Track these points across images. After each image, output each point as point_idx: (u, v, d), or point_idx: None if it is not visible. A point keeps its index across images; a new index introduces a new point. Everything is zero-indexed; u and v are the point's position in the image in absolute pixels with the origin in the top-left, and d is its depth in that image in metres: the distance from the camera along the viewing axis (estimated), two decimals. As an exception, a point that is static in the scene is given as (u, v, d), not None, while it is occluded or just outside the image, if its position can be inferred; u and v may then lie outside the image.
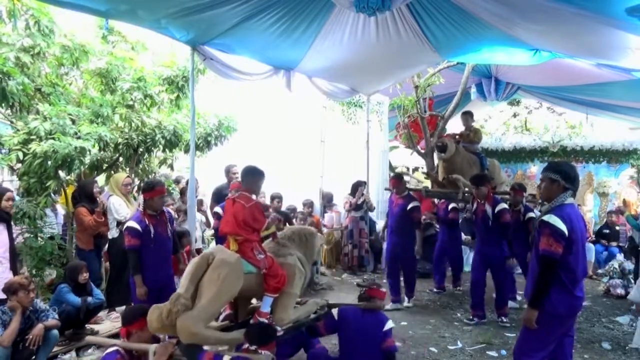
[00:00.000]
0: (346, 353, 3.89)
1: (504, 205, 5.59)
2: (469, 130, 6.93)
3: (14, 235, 5.06)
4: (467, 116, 7.05)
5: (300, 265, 3.93)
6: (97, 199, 5.22)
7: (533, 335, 3.09)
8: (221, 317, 4.05)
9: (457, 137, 6.97)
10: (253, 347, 3.13)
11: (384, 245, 7.27)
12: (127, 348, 3.18)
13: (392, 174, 8.17)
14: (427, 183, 8.80)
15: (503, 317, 5.64)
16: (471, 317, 5.71)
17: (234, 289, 3.37)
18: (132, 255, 4.28)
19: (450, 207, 7.14)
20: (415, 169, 12.80)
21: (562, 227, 2.94)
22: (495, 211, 5.49)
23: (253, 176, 3.83)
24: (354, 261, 8.23)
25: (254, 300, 4.05)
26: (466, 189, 6.17)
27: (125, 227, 4.44)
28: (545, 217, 3.04)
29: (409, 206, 6.17)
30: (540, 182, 3.31)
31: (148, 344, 3.18)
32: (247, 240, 3.57)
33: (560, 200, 3.08)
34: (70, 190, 5.56)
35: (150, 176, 6.56)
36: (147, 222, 4.31)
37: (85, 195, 5.22)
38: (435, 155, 6.74)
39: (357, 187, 8.03)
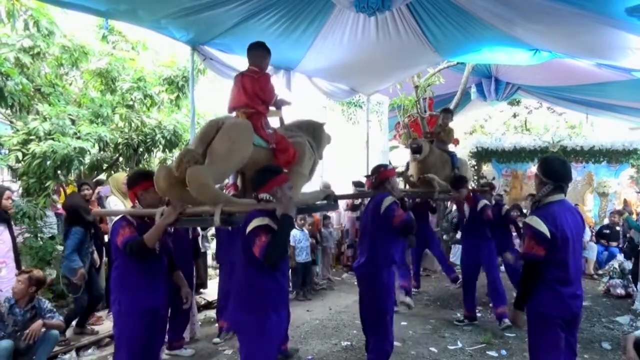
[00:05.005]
0: (360, 239, 4.09)
1: (485, 202, 5.52)
2: (442, 130, 6.69)
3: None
4: (447, 115, 6.74)
5: (310, 148, 3.90)
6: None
7: (540, 341, 3.00)
8: None
9: (429, 135, 6.87)
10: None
11: None
12: (134, 214, 3.17)
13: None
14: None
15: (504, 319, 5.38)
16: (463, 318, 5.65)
17: (244, 152, 3.29)
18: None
19: None
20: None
21: (543, 228, 2.80)
22: (478, 208, 5.44)
23: (261, 51, 3.86)
24: (348, 260, 8.48)
25: None
26: (439, 189, 6.06)
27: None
28: (527, 219, 2.93)
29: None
30: None
31: (154, 209, 3.11)
32: (257, 112, 3.57)
33: (547, 199, 2.96)
34: (70, 191, 5.55)
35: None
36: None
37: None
38: (409, 156, 6.49)
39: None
